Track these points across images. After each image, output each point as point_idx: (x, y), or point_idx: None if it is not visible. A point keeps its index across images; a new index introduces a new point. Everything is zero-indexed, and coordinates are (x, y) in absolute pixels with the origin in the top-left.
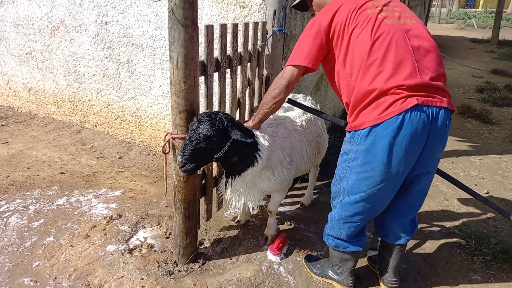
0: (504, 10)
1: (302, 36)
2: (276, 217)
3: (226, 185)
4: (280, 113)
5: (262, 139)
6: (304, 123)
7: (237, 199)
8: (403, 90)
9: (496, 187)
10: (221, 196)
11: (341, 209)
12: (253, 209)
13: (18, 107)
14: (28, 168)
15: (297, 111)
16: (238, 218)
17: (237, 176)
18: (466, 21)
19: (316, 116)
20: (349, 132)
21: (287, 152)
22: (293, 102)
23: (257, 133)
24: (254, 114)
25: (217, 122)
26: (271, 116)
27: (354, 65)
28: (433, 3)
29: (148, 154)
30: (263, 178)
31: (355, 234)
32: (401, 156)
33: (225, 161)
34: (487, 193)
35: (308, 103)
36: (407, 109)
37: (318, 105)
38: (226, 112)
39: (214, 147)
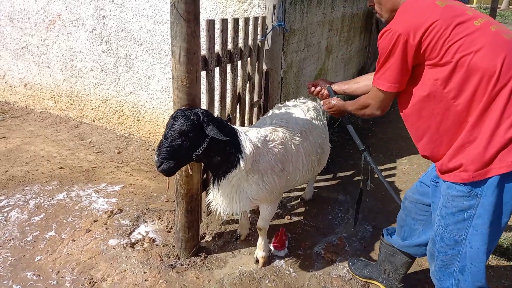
0: (498, 6)
1: None
2: (277, 211)
3: (212, 188)
4: (280, 119)
5: (244, 140)
6: (304, 133)
7: (222, 203)
8: None
9: None
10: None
11: (472, 281)
12: (237, 214)
13: (14, 102)
14: (26, 163)
15: (299, 119)
16: (238, 232)
17: (222, 178)
18: None
19: (319, 125)
20: (464, 185)
21: (279, 158)
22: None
23: (240, 133)
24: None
25: (192, 117)
26: (268, 120)
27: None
28: None
29: (147, 149)
30: (251, 183)
31: None
32: None
33: (208, 161)
34: None
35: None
36: None
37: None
38: (227, 106)
39: (191, 144)
